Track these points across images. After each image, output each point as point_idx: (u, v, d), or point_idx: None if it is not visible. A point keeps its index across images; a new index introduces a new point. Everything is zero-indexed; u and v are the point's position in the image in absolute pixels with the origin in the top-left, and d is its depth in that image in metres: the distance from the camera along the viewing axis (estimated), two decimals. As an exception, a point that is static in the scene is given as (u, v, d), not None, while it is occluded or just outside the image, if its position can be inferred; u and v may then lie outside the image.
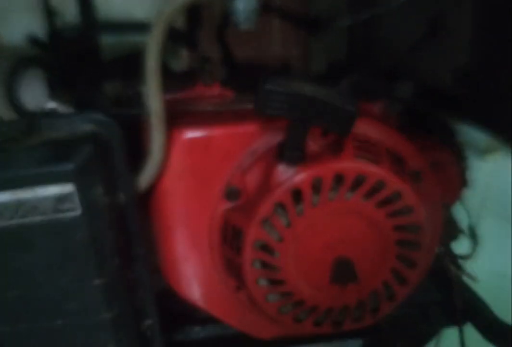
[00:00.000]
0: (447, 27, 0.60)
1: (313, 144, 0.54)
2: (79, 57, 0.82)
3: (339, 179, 0.51)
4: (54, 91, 0.74)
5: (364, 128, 0.57)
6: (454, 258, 0.64)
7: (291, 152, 0.52)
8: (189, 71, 0.81)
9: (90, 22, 0.94)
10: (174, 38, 0.92)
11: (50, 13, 0.87)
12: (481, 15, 0.55)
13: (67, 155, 0.45)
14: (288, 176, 0.51)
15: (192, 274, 0.56)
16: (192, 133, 0.53)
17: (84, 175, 0.45)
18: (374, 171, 0.52)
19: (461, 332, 0.66)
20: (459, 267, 0.65)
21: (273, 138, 0.54)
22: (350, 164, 0.52)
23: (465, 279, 0.67)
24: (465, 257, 0.65)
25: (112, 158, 0.49)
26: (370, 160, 0.53)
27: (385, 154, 0.55)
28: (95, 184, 0.46)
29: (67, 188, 0.45)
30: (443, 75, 0.61)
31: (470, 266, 0.66)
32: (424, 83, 0.64)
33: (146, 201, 0.55)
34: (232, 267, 0.54)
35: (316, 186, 0.51)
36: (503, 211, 1.44)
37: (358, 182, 0.52)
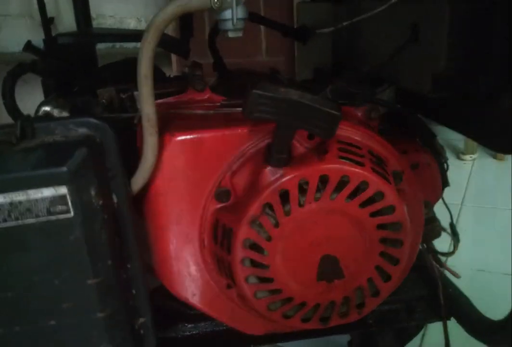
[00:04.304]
0: (426, 32, 0.62)
1: (300, 146, 0.57)
2: (75, 63, 0.84)
3: (324, 180, 0.54)
4: (50, 96, 0.76)
5: (348, 131, 0.59)
6: (436, 255, 0.66)
7: (278, 154, 0.54)
8: (180, 77, 0.83)
9: (86, 30, 0.96)
10: (165, 45, 0.94)
11: (46, 21, 0.89)
12: (459, 20, 0.58)
13: (60, 158, 0.47)
14: (276, 177, 0.53)
15: (184, 272, 0.58)
16: (183, 136, 0.55)
17: (78, 177, 0.46)
18: (358, 172, 0.54)
19: (445, 326, 0.68)
20: (441, 264, 0.67)
21: (261, 141, 0.56)
22: (334, 166, 0.54)
23: (448, 275, 0.70)
24: (447, 254, 0.67)
25: (106, 161, 0.51)
26: (354, 162, 0.55)
27: (368, 156, 0.58)
28: (89, 186, 0.47)
29: (60, 191, 0.46)
30: (423, 80, 0.63)
31: (451, 262, 0.69)
32: (404, 88, 0.67)
33: (139, 201, 0.56)
34: (223, 266, 0.56)
35: (303, 187, 0.54)
36: (480, 209, 1.48)
37: (343, 182, 0.54)
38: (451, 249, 0.66)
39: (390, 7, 0.60)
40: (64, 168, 0.46)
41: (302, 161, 0.55)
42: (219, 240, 0.56)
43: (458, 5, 0.56)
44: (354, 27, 0.66)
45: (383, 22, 0.67)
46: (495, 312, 0.67)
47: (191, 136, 0.55)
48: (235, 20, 0.56)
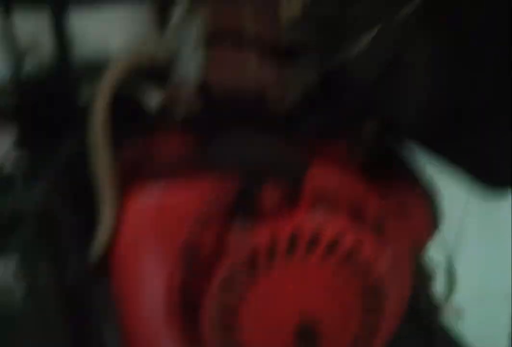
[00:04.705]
0: (409, 63, 0.57)
1: (269, 197, 0.53)
2: (48, 103, 0.80)
3: (296, 234, 0.50)
4: (20, 140, 0.73)
5: (323, 174, 0.55)
6: (431, 301, 0.62)
7: (243, 211, 0.51)
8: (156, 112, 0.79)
9: (66, 64, 0.92)
10: (148, 75, 0.90)
11: (17, 56, 0.85)
12: (440, 51, 0.53)
13: (8, 233, 0.44)
14: (243, 235, 0.50)
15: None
16: (144, 201, 0.52)
17: (27, 253, 0.44)
18: (333, 224, 0.51)
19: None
20: (438, 308, 0.62)
21: (226, 196, 0.53)
22: (306, 218, 0.51)
23: (447, 321, 0.65)
24: (443, 298, 0.62)
25: (58, 233, 0.48)
26: (329, 211, 0.51)
27: (346, 202, 0.54)
28: (38, 262, 0.45)
29: (8, 268, 0.44)
30: (408, 112, 0.58)
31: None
32: (389, 120, 0.62)
33: (106, 270, 0.54)
34: (192, 332, 0.53)
35: (274, 243, 0.50)
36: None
37: (317, 235, 0.50)
38: (447, 291, 0.60)
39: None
40: (12, 244, 0.44)
41: (271, 216, 0.51)
42: (188, 304, 0.53)
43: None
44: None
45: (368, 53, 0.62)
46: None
47: (153, 200, 0.52)
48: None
